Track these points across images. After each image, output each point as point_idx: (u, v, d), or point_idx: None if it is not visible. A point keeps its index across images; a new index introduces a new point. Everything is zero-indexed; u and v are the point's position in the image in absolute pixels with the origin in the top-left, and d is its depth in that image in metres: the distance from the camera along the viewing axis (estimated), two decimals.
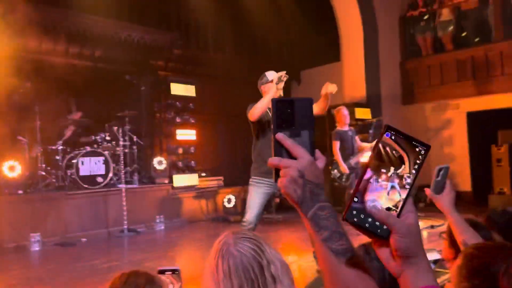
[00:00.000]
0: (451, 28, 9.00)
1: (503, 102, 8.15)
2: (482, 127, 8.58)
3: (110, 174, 6.99)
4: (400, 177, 0.67)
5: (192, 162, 8.38)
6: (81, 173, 6.70)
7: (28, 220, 5.99)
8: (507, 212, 2.11)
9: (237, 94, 9.85)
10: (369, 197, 0.66)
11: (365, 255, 1.34)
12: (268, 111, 3.76)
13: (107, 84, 7.84)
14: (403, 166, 0.67)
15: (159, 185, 7.76)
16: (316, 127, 0.73)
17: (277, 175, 0.70)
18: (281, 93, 3.90)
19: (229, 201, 8.31)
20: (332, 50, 9.91)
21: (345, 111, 6.53)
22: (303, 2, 9.83)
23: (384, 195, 0.67)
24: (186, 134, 8.34)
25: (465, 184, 8.55)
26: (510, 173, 7.61)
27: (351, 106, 8.23)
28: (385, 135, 0.67)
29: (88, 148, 6.96)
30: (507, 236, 1.81)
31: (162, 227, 7.24)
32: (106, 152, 7.05)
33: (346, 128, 6.49)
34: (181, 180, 7.97)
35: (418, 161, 0.67)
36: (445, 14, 9.07)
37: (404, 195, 0.66)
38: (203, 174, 8.69)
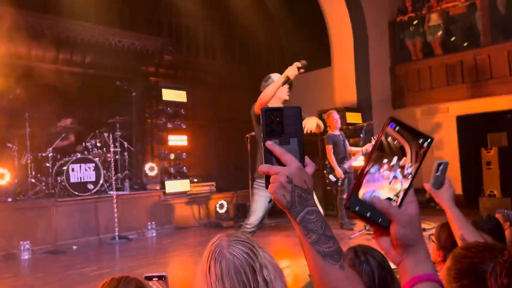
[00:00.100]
0: (440, 32, 9.11)
1: (492, 105, 8.25)
2: (472, 130, 8.67)
3: (101, 181, 6.94)
4: (402, 167, 0.69)
5: (184, 168, 8.36)
6: (72, 180, 6.65)
7: (18, 228, 5.91)
8: (492, 217, 2.13)
9: (228, 99, 9.88)
10: (371, 187, 0.68)
11: (355, 258, 1.35)
12: None
13: (97, 90, 7.81)
14: (405, 157, 0.69)
15: (151, 191, 7.72)
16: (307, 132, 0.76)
17: (268, 182, 0.73)
18: (286, 97, 3.82)
19: (221, 206, 8.28)
20: (322, 55, 9.97)
21: (335, 115, 6.56)
22: (293, 8, 9.89)
23: (385, 185, 0.69)
24: (178, 140, 8.31)
25: (456, 187, 8.42)
26: (500, 175, 7.68)
27: (342, 111, 8.28)
28: (389, 126, 0.69)
29: (79, 155, 6.91)
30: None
31: (154, 234, 7.19)
32: (96, 159, 7.00)
33: (338, 132, 6.52)
34: (172, 186, 7.93)
35: (420, 153, 0.69)
36: (434, 19, 9.18)
37: (405, 185, 0.69)
38: (195, 180, 8.66)
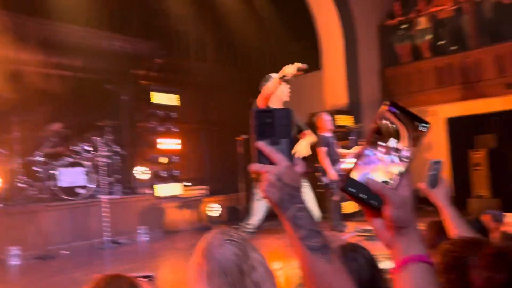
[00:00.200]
0: (428, 36, 9.21)
1: (480, 107, 8.37)
2: (460, 132, 8.76)
3: (91, 185, 6.89)
4: (399, 151, 0.70)
5: (176, 171, 8.32)
6: (62, 184, 6.59)
7: (7, 234, 5.84)
8: (478, 220, 2.17)
9: (219, 102, 9.87)
10: (366, 169, 0.70)
11: (343, 256, 1.36)
12: None
13: (87, 94, 7.75)
14: (401, 140, 0.70)
15: (142, 195, 7.68)
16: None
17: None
18: (287, 98, 3.86)
19: (213, 210, 8.26)
20: (313, 58, 10.02)
21: (326, 116, 6.57)
22: (283, 11, 9.94)
23: (381, 168, 0.70)
24: (169, 143, 8.28)
25: None
26: (488, 177, 7.76)
27: (333, 114, 8.31)
28: (388, 108, 0.71)
29: (69, 159, 6.85)
30: None
31: (145, 238, 7.15)
32: (86, 163, 6.95)
33: (329, 134, 6.53)
34: (164, 189, 7.89)
35: (418, 137, 0.71)
36: (423, 22, 9.29)
37: (402, 169, 0.70)
38: (187, 184, 8.62)
